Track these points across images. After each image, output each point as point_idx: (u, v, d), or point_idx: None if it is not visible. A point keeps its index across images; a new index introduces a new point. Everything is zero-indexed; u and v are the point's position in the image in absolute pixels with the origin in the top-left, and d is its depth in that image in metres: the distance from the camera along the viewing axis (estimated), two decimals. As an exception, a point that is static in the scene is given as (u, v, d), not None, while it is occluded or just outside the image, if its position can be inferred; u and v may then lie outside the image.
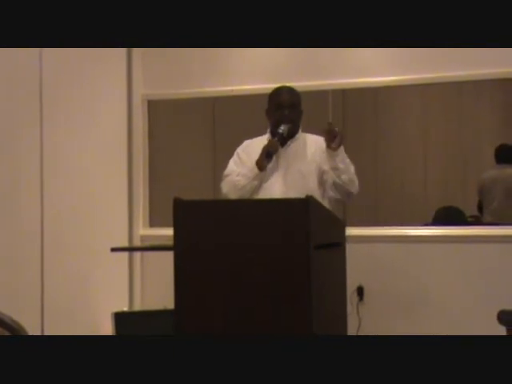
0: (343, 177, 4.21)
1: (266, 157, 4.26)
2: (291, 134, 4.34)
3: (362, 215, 5.78)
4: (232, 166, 4.41)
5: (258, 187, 4.30)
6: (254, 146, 4.38)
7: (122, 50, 5.66)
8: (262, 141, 4.38)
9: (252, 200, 4.20)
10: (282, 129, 4.27)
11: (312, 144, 4.37)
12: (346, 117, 5.83)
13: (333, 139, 4.15)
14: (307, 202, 3.61)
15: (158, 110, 5.84)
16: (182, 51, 5.46)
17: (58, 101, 5.28)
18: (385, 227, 5.32)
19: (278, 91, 4.42)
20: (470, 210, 5.95)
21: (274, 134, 4.35)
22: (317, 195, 4.17)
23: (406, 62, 5.17)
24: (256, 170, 4.26)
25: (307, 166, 4.31)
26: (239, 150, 4.46)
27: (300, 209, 3.61)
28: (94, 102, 5.48)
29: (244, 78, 5.54)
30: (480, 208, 5.99)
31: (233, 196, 4.30)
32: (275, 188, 4.27)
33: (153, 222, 5.80)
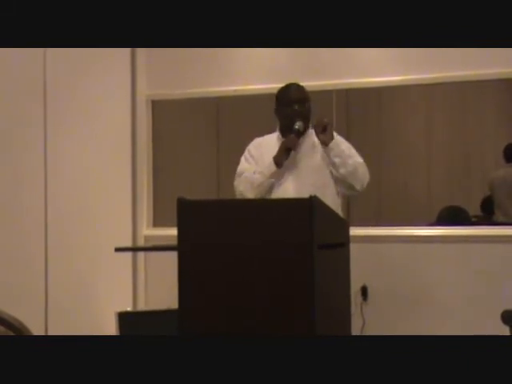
0: (341, 171, 4.20)
1: (285, 153, 4.25)
2: (303, 131, 4.32)
3: (366, 215, 5.78)
4: (244, 163, 4.36)
5: (273, 185, 4.29)
6: (266, 143, 4.36)
7: (126, 50, 5.66)
8: (272, 138, 4.37)
9: (256, 200, 4.19)
10: (299, 124, 4.23)
11: None
12: (349, 117, 5.84)
13: (322, 132, 4.17)
14: (311, 202, 3.61)
15: (161, 110, 5.84)
16: (185, 51, 5.46)
17: (61, 101, 5.28)
18: (389, 227, 5.32)
19: (286, 89, 4.39)
20: (474, 209, 5.95)
21: (284, 132, 4.31)
22: (331, 190, 4.20)
23: (409, 61, 5.16)
24: (273, 166, 4.22)
25: (319, 162, 4.29)
26: (250, 147, 4.41)
27: (304, 209, 3.60)
28: (97, 101, 5.48)
29: (248, 78, 5.54)
30: (484, 207, 5.98)
31: (249, 194, 4.24)
32: (288, 186, 4.25)
33: (157, 222, 5.80)
